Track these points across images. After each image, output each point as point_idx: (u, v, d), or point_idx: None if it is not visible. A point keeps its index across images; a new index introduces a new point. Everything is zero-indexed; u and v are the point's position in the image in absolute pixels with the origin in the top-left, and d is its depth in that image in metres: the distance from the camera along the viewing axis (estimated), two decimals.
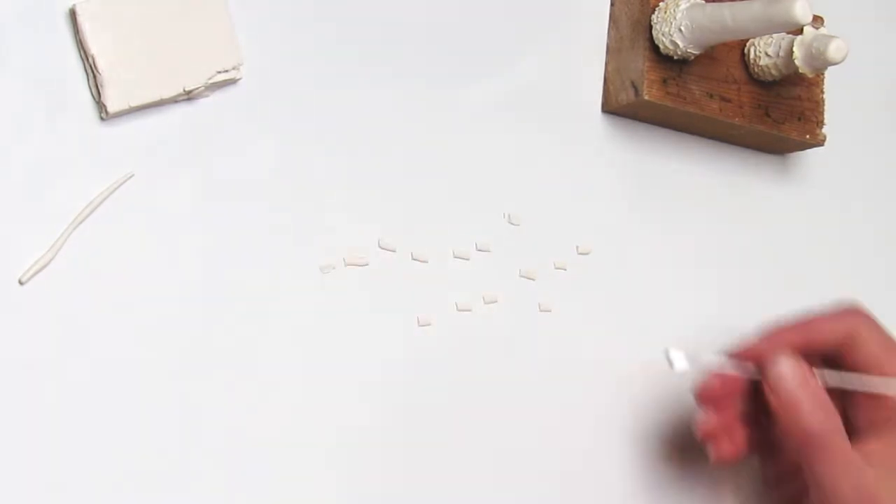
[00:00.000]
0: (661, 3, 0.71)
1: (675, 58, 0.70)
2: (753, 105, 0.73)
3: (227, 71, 0.61)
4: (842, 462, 0.63)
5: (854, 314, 0.66)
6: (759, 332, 0.67)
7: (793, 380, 0.65)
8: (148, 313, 0.60)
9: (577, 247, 0.71)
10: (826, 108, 0.76)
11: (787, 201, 0.79)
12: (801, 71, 0.71)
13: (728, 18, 0.67)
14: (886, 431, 0.65)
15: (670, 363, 0.64)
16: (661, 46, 0.70)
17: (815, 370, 0.65)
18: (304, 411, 0.63)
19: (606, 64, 0.72)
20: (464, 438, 0.67)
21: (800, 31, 0.71)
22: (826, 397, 0.64)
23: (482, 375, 0.67)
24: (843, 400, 0.66)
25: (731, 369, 0.66)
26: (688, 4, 0.69)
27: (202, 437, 0.60)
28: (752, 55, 0.72)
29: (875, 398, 0.65)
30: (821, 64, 0.70)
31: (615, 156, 0.73)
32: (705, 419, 0.67)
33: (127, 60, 0.59)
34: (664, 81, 0.70)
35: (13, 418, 0.57)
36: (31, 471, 0.57)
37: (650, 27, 0.70)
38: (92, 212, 0.59)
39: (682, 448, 0.72)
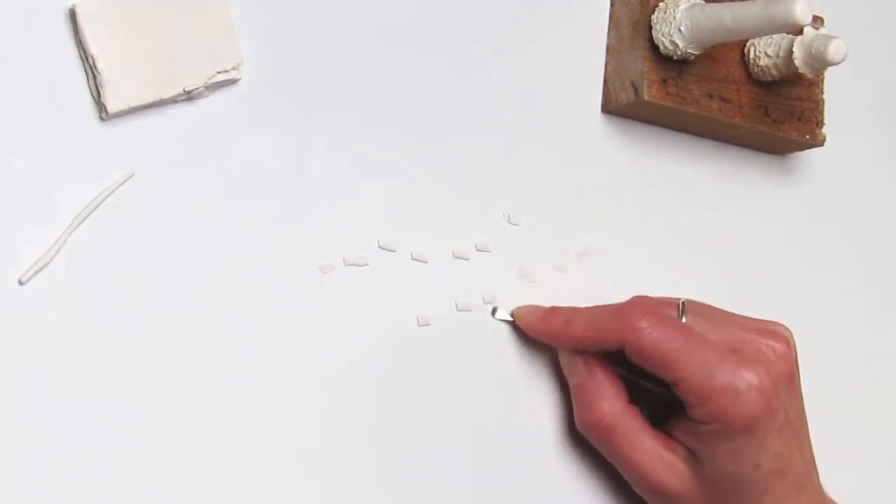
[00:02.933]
0: (660, 4, 0.71)
1: (675, 58, 0.70)
2: (753, 105, 0.73)
3: (227, 71, 0.61)
4: (631, 447, 0.65)
5: (625, 322, 0.64)
6: (552, 314, 0.67)
7: (574, 377, 0.67)
8: (148, 313, 0.60)
9: (577, 247, 0.71)
10: (826, 108, 0.76)
11: (787, 201, 0.79)
12: (800, 71, 0.71)
13: (728, 18, 0.67)
14: (685, 419, 0.65)
15: (493, 313, 0.68)
16: (660, 47, 0.70)
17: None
18: (303, 410, 0.63)
19: (606, 64, 0.72)
20: (463, 438, 0.67)
21: (800, 31, 0.71)
22: (608, 388, 0.65)
23: (481, 375, 0.67)
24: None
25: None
26: (687, 4, 0.69)
27: (202, 437, 0.60)
28: (751, 55, 0.72)
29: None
30: (820, 64, 0.70)
31: (615, 156, 0.73)
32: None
33: (127, 60, 0.59)
34: (664, 81, 0.70)
35: (13, 418, 0.57)
36: (30, 471, 0.57)
37: (650, 27, 0.70)
38: (92, 212, 0.59)
39: None
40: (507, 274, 0.69)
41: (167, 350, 0.60)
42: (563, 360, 0.67)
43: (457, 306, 0.67)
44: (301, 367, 0.63)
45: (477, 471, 0.67)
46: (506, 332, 0.68)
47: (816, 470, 0.67)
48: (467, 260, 0.68)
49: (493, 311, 0.68)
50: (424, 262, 0.67)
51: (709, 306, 0.67)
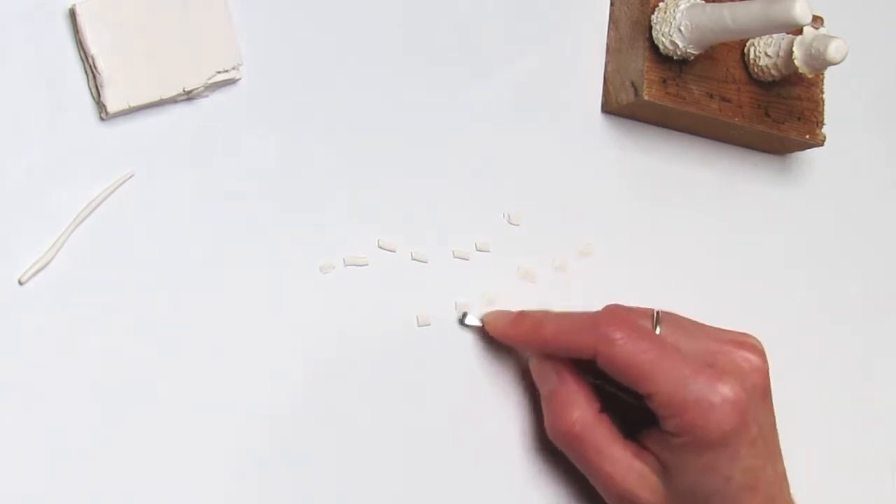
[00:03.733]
0: (660, 4, 0.71)
1: (675, 58, 0.70)
2: (753, 105, 0.73)
3: (227, 71, 0.61)
4: (600, 455, 0.64)
5: (598, 331, 0.63)
6: (523, 318, 0.66)
7: (544, 384, 0.66)
8: (147, 313, 0.60)
9: (577, 247, 0.71)
10: (826, 108, 0.76)
11: (787, 201, 0.79)
12: (800, 71, 0.71)
13: (728, 19, 0.67)
14: (658, 430, 0.64)
15: (463, 318, 0.67)
16: (660, 46, 0.70)
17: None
18: (303, 410, 0.63)
19: (606, 64, 0.72)
20: (464, 438, 0.67)
21: (800, 31, 0.71)
22: (579, 396, 0.64)
23: (481, 375, 0.67)
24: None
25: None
26: (687, 4, 0.69)
27: (202, 436, 0.60)
28: (751, 55, 0.73)
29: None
30: (820, 64, 0.70)
31: (615, 156, 0.73)
32: None
33: (127, 60, 0.59)
34: (664, 81, 0.70)
35: (13, 418, 0.57)
36: (30, 470, 0.57)
37: (650, 27, 0.70)
38: (92, 212, 0.59)
39: None
40: (507, 274, 0.69)
41: (167, 350, 0.60)
42: (534, 366, 0.66)
43: (457, 306, 0.67)
44: (301, 366, 0.63)
45: (476, 469, 0.67)
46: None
47: (788, 484, 0.66)
48: (467, 260, 0.68)
49: (463, 316, 0.67)
50: (424, 262, 0.67)
51: (683, 318, 0.66)
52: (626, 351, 0.62)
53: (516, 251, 0.69)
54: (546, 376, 0.66)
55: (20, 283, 0.57)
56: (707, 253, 0.76)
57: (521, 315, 0.66)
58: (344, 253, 0.65)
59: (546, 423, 0.66)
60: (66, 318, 0.58)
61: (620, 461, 0.64)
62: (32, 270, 0.58)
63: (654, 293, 0.72)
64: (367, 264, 0.65)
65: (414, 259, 0.66)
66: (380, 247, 0.66)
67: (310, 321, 0.63)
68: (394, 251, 0.66)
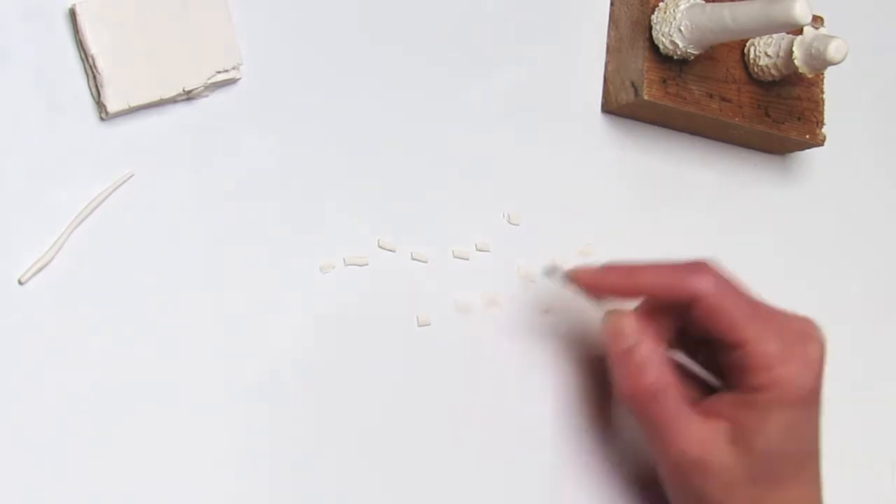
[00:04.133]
0: (660, 4, 0.71)
1: (675, 58, 0.70)
2: (753, 105, 0.73)
3: (226, 71, 0.61)
4: (673, 417, 0.63)
5: (698, 276, 0.63)
6: (613, 267, 0.65)
7: (620, 342, 0.64)
8: (147, 313, 0.60)
9: (577, 247, 0.71)
10: (826, 108, 0.76)
11: (787, 201, 0.79)
12: (800, 71, 0.71)
13: (728, 18, 0.68)
14: (733, 392, 0.64)
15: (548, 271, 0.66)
16: (660, 46, 0.70)
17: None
18: (303, 410, 0.63)
19: (606, 64, 0.73)
20: (464, 439, 0.67)
21: (800, 31, 0.71)
22: (656, 356, 0.64)
23: (481, 375, 0.67)
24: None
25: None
26: (688, 4, 0.69)
27: (202, 436, 0.60)
28: (751, 55, 0.73)
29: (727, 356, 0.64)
30: (820, 64, 0.70)
31: (615, 156, 0.73)
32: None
33: (127, 60, 0.59)
34: (664, 81, 0.70)
35: (13, 418, 0.57)
36: (30, 470, 0.57)
37: (650, 27, 0.70)
38: (92, 212, 0.59)
39: None
40: (507, 274, 0.69)
41: (167, 350, 0.60)
42: (610, 321, 0.65)
43: (457, 306, 0.67)
44: (301, 366, 0.63)
45: (477, 470, 0.67)
46: (505, 331, 0.68)
47: None
48: (467, 260, 0.68)
49: (551, 271, 0.66)
50: (424, 262, 0.67)
51: None
52: (728, 295, 0.62)
53: (516, 251, 0.69)
54: (623, 332, 0.64)
55: (20, 283, 0.57)
56: (706, 253, 0.75)
57: (610, 265, 0.65)
58: (344, 253, 0.65)
59: (618, 382, 0.65)
60: (66, 318, 0.58)
61: (695, 425, 0.63)
62: (32, 270, 0.58)
63: None
64: (367, 264, 0.65)
65: (414, 259, 0.66)
66: (380, 247, 0.66)
67: (310, 321, 0.63)
68: (394, 251, 0.66)
